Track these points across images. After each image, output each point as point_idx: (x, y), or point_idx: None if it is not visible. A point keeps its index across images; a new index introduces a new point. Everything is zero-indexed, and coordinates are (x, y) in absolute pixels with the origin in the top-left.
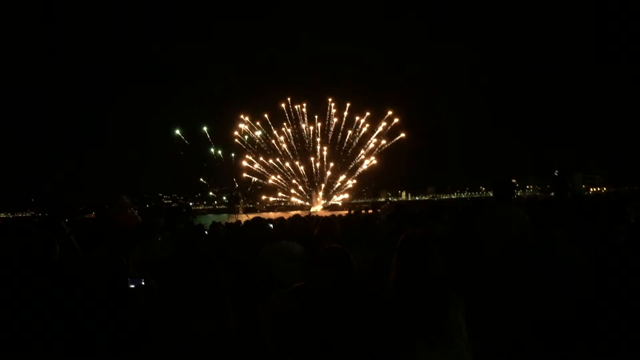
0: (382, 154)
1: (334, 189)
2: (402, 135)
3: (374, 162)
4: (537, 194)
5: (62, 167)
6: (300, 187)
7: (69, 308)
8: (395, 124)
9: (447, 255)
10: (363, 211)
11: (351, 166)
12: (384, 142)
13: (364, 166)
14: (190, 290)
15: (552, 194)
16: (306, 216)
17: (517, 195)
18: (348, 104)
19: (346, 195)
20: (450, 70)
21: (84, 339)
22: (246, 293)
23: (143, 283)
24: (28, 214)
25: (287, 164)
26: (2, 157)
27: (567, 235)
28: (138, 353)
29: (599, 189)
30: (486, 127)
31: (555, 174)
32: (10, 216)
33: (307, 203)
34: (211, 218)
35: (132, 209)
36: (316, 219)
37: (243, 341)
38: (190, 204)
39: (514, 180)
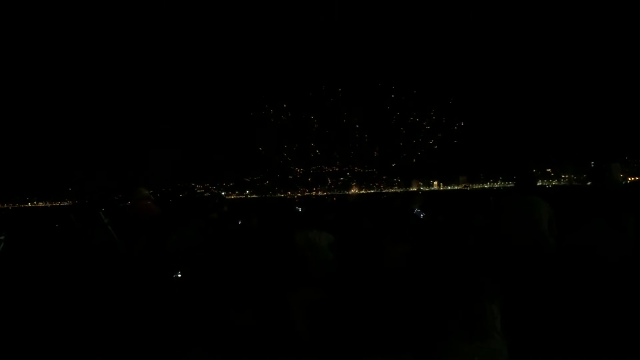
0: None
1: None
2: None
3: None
4: (574, 183)
5: (97, 157)
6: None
7: (107, 298)
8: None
9: (484, 246)
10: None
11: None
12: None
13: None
14: (225, 281)
15: (589, 183)
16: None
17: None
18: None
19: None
20: (485, 55)
21: (121, 330)
22: (279, 282)
23: (180, 275)
24: (66, 203)
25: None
26: (39, 146)
27: (606, 225)
28: (175, 344)
29: (637, 177)
30: (521, 115)
31: (592, 164)
32: (49, 205)
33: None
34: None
35: (150, 200)
36: (347, 207)
37: (276, 331)
38: (223, 193)
39: (549, 170)
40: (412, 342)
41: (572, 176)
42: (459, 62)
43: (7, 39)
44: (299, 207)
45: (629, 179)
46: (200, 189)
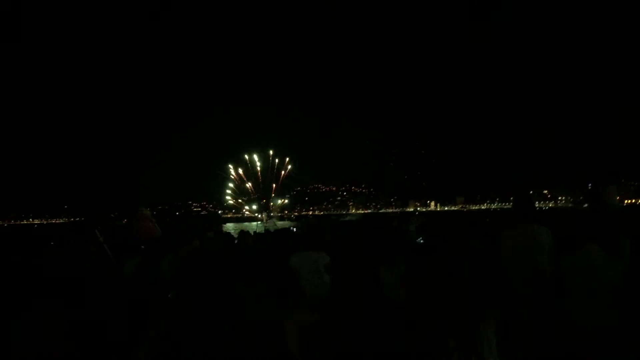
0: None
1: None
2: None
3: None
4: (570, 205)
5: (95, 174)
6: None
7: (102, 318)
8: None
9: (480, 271)
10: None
11: None
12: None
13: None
14: (219, 302)
15: (585, 205)
16: (334, 219)
17: (547, 206)
18: None
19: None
20: (486, 79)
21: (116, 350)
22: (275, 303)
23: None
24: (62, 220)
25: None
26: (37, 164)
27: (601, 249)
28: None
29: (634, 200)
30: (519, 137)
31: (589, 186)
32: (45, 222)
33: None
34: (240, 226)
35: (152, 221)
36: (343, 228)
37: (269, 352)
38: (220, 212)
39: (545, 192)
40: None
41: (569, 198)
42: (458, 85)
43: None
44: (294, 227)
45: (626, 201)
46: (196, 207)
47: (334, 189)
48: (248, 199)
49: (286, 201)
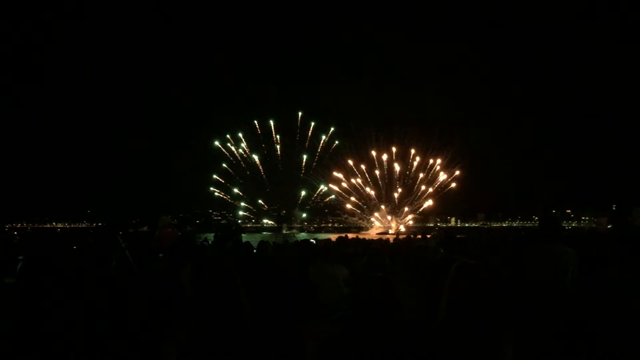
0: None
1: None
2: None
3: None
4: (593, 225)
5: (116, 179)
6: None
7: (122, 324)
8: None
9: (501, 288)
10: (412, 235)
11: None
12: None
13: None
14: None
15: (610, 227)
16: (353, 239)
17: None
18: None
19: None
20: (507, 95)
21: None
22: (292, 315)
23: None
24: (84, 225)
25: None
26: (59, 167)
27: (624, 271)
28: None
29: None
30: (543, 154)
31: (614, 207)
32: (67, 226)
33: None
34: (259, 237)
35: (171, 227)
36: (364, 244)
37: None
38: (239, 221)
39: (569, 211)
40: None
41: (593, 218)
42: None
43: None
44: (314, 239)
45: None
46: (217, 215)
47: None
48: (268, 209)
49: (304, 215)
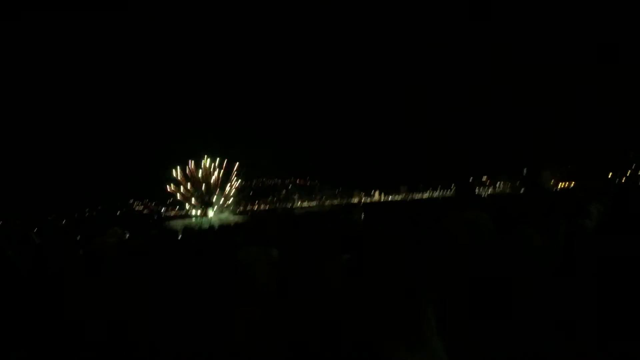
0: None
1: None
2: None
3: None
4: (508, 190)
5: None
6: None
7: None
8: None
9: (423, 255)
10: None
11: None
12: None
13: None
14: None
15: (522, 190)
16: (280, 213)
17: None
18: None
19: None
20: (421, 61)
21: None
22: (223, 299)
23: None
24: None
25: None
26: None
27: (536, 232)
28: None
29: (567, 183)
30: (456, 124)
31: (525, 171)
32: None
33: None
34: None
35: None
36: (292, 219)
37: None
38: (163, 209)
39: (485, 177)
40: (351, 353)
41: (507, 183)
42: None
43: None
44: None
45: (560, 184)
46: (138, 205)
47: (278, 182)
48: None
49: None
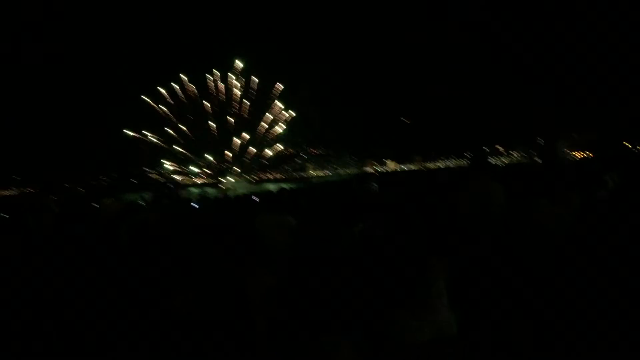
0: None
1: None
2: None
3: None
4: (523, 160)
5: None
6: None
7: None
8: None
9: (434, 225)
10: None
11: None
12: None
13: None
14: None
15: (537, 160)
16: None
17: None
18: None
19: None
20: (435, 26)
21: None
22: (238, 266)
23: None
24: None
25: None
26: None
27: (549, 202)
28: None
29: (583, 154)
30: (473, 91)
31: (540, 141)
32: None
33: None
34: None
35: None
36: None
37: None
38: (178, 177)
39: (499, 146)
40: (360, 321)
41: (522, 153)
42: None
43: None
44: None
45: (575, 154)
46: (152, 173)
47: (291, 151)
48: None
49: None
